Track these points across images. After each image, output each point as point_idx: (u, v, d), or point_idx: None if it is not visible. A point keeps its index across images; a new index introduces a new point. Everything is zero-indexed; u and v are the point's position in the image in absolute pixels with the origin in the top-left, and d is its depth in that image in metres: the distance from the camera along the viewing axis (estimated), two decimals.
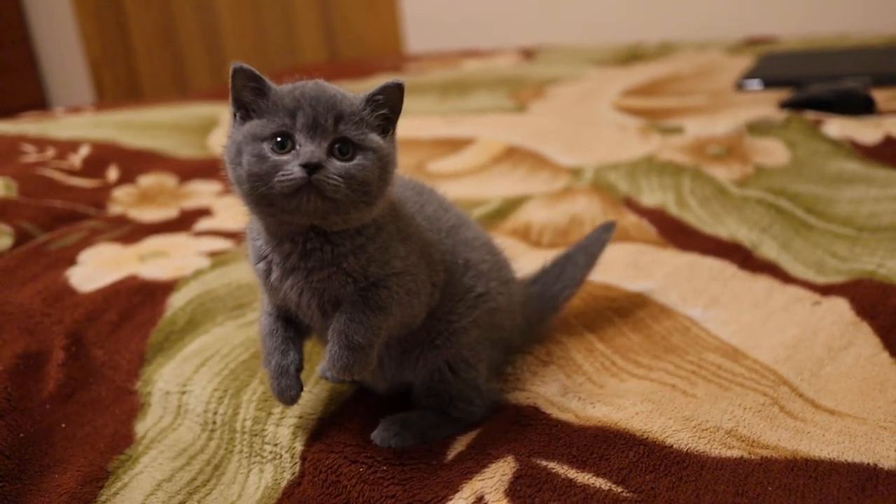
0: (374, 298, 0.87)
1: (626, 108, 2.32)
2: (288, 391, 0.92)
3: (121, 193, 1.79)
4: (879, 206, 1.51)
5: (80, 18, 4.76)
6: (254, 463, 0.99)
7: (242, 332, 1.23)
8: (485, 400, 0.97)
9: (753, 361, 1.07)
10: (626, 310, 1.22)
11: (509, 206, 1.62)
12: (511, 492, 0.82)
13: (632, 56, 3.11)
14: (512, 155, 1.93)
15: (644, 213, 1.56)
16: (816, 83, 2.17)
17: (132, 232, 1.60)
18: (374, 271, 0.88)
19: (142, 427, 1.10)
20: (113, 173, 1.88)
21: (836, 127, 1.87)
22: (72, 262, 1.47)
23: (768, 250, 1.38)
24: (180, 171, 1.90)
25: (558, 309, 1.16)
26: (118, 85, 4.90)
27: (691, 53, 3.04)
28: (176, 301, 1.32)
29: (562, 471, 0.85)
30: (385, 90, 0.86)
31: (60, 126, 2.22)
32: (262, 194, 0.81)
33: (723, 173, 1.71)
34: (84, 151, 1.97)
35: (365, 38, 4.25)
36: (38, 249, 1.53)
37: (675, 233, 1.46)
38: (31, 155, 1.95)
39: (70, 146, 2.00)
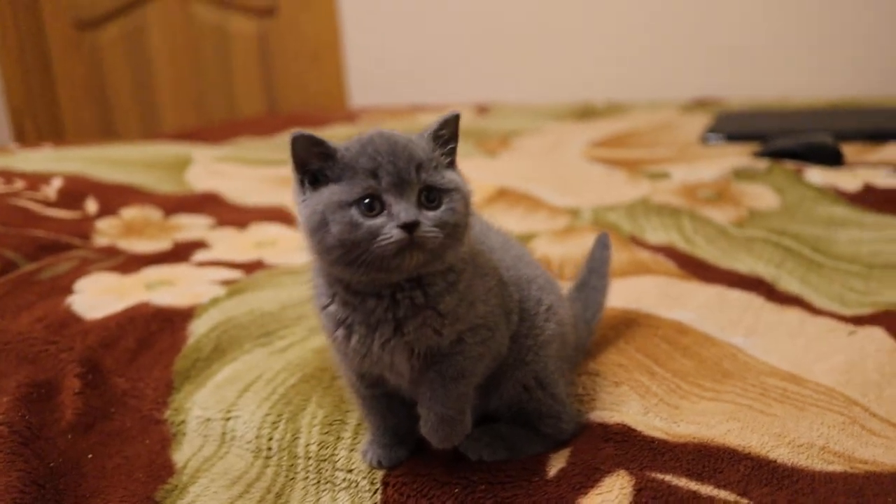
0: (451, 369, 0.85)
1: (597, 158, 2.35)
2: (384, 461, 0.91)
3: (105, 225, 1.70)
4: (879, 247, 1.55)
5: (2, 65, 4.59)
6: (323, 490, 0.93)
7: (276, 359, 1.16)
8: (571, 416, 0.94)
9: (816, 384, 1.06)
10: (672, 337, 1.20)
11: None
12: None
13: (585, 113, 3.17)
14: (505, 196, 1.92)
15: (655, 249, 1.56)
16: (781, 137, 2.25)
17: (127, 262, 1.51)
18: (463, 314, 0.84)
19: (180, 456, 1.03)
20: (92, 205, 1.79)
21: (817, 175, 1.93)
22: (68, 290, 1.38)
23: (788, 284, 1.39)
24: (164, 205, 1.83)
25: (593, 332, 1.16)
26: (39, 134, 4.72)
27: (643, 111, 3.12)
28: (197, 328, 1.25)
29: (681, 483, 0.82)
30: (447, 124, 0.84)
31: (22, 160, 2.11)
32: (357, 259, 0.78)
33: (719, 215, 1.74)
34: (57, 183, 1.87)
35: (307, 90, 4.22)
36: (28, 278, 1.43)
37: (694, 266, 1.47)
38: None
39: (40, 178, 1.90)
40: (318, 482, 0.94)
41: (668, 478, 0.83)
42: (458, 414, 0.86)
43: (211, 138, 2.80)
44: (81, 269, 1.46)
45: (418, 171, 0.79)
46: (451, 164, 0.85)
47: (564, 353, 0.97)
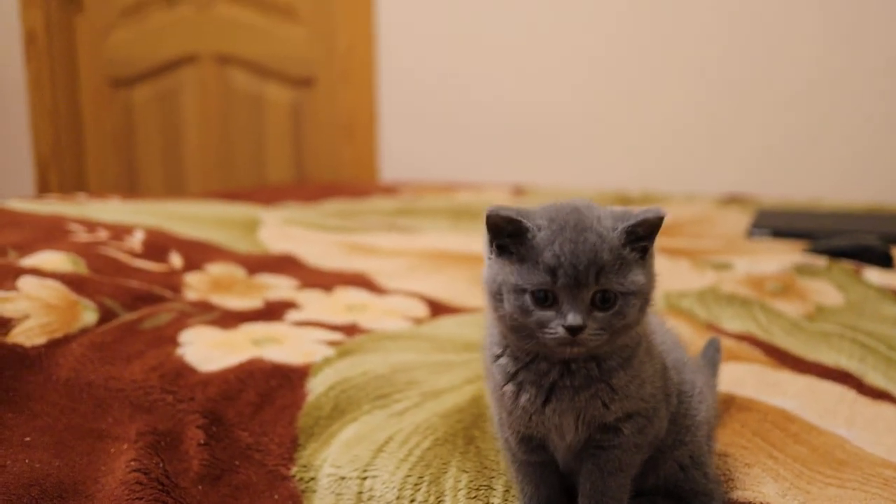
0: (610, 463, 0.88)
1: None
2: None
3: (193, 280, 1.73)
4: None
5: (32, 114, 4.64)
6: None
7: (398, 422, 1.18)
8: (721, 495, 0.97)
9: None
10: (781, 423, 1.23)
11: None
12: None
13: (621, 200, 3.24)
14: None
15: (737, 337, 1.60)
16: (828, 237, 2.31)
17: (223, 317, 1.54)
18: (633, 392, 0.87)
19: None
20: (176, 259, 1.81)
21: (875, 275, 1.98)
22: (173, 341, 1.40)
23: (874, 379, 1.43)
24: (245, 264, 1.85)
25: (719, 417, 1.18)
26: (63, 185, 4.75)
27: (678, 203, 3.19)
28: (315, 386, 1.27)
29: None
30: (645, 223, 0.83)
31: (96, 210, 2.14)
32: (525, 337, 0.83)
33: (789, 308, 1.78)
34: (140, 235, 1.90)
35: (338, 162, 4.28)
36: (130, 327, 1.45)
37: (780, 356, 1.50)
38: (80, 234, 1.86)
39: (123, 229, 1.92)
40: None
41: None
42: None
43: (258, 201, 2.84)
44: (182, 322, 1.48)
45: (598, 275, 0.81)
46: (643, 257, 0.85)
47: (712, 433, 1.00)
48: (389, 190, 3.37)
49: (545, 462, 0.94)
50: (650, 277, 0.86)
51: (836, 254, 2.18)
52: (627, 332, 0.84)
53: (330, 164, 4.32)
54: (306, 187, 3.30)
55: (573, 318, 0.80)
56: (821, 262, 2.07)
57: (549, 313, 0.81)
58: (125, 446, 1.16)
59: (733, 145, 3.51)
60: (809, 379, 1.41)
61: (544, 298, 0.81)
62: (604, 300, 0.81)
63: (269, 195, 3.02)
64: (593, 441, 0.89)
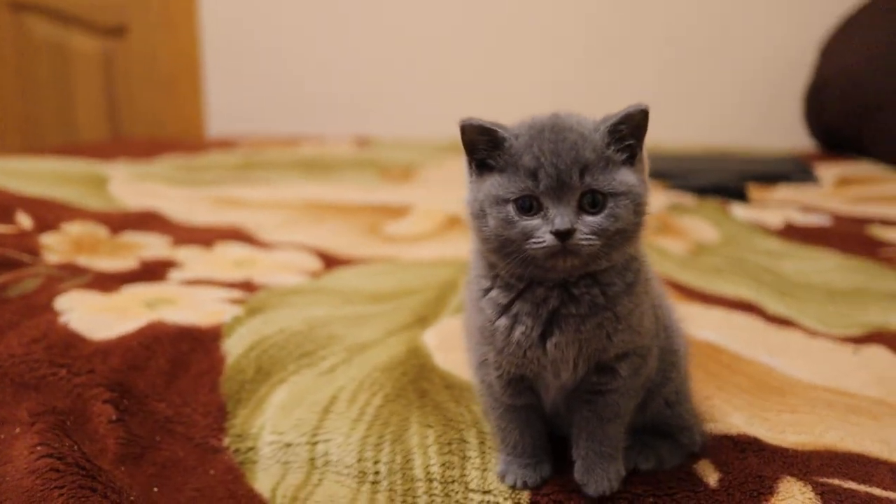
0: (607, 409, 0.84)
1: None
2: (530, 481, 0.87)
3: (51, 241, 1.52)
4: (827, 277, 1.67)
5: None
6: None
7: (332, 380, 1.08)
8: (701, 428, 0.94)
9: (865, 397, 1.12)
10: (713, 355, 1.23)
11: None
12: None
13: None
14: (458, 225, 1.90)
15: None
16: (686, 176, 2.38)
17: (98, 280, 1.37)
18: (634, 323, 0.82)
19: (263, 486, 0.95)
20: (24, 220, 1.60)
21: (741, 211, 2.05)
22: (48, 309, 1.23)
23: (776, 307, 1.47)
24: (107, 222, 1.67)
25: None
26: None
27: None
28: (231, 348, 1.14)
29: (853, 486, 0.83)
30: (628, 118, 0.78)
31: None
32: (512, 254, 0.76)
33: (673, 245, 1.81)
34: None
35: (158, 117, 3.99)
36: None
37: (685, 290, 1.51)
38: None
39: None
40: None
41: (834, 481, 0.84)
42: (614, 452, 0.84)
43: (85, 157, 2.58)
44: (52, 288, 1.30)
45: (582, 175, 0.75)
46: (630, 161, 0.79)
47: (688, 368, 0.97)
48: (226, 144, 3.17)
49: (530, 406, 0.88)
50: (642, 181, 0.79)
51: (696, 191, 2.25)
52: (624, 243, 0.78)
53: (150, 120, 4.03)
54: (135, 144, 3.04)
55: (560, 222, 0.74)
56: (689, 200, 2.12)
57: (534, 221, 0.75)
58: (17, 430, 0.99)
59: (587, 95, 3.54)
60: (719, 311, 1.42)
61: (528, 206, 0.75)
62: (593, 203, 0.76)
63: (93, 152, 2.76)
64: (588, 385, 0.84)
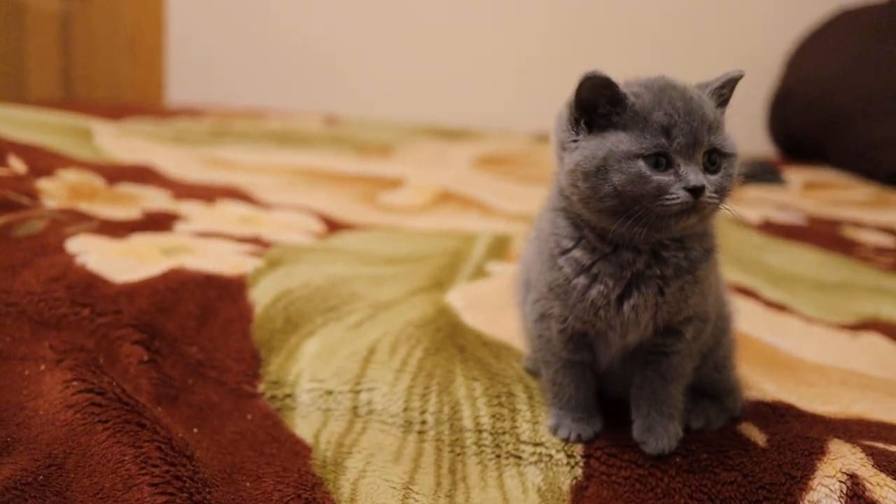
0: (671, 370, 0.86)
1: (493, 174, 2.40)
2: (584, 434, 0.88)
3: (48, 186, 1.47)
4: (812, 270, 1.72)
5: None
6: (506, 465, 0.87)
7: (362, 334, 1.08)
8: (741, 393, 0.96)
9: (875, 377, 1.16)
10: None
11: (504, 240, 1.60)
12: (880, 467, 0.82)
13: (439, 133, 3.21)
14: (450, 199, 1.91)
15: None
16: None
17: (106, 227, 1.33)
18: (707, 288, 0.84)
19: (305, 431, 0.93)
20: (17, 164, 1.54)
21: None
22: (61, 250, 1.19)
23: (770, 293, 1.51)
24: (102, 173, 1.62)
25: None
26: None
27: (498, 138, 3.22)
28: (259, 298, 1.12)
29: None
30: (731, 82, 0.82)
31: None
32: (634, 213, 0.76)
33: None
34: None
35: (116, 81, 3.89)
36: (1, 233, 1.21)
37: None
38: None
39: None
40: (499, 456, 0.88)
41: (878, 445, 0.87)
42: (674, 412, 0.86)
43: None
44: (60, 230, 1.26)
45: (709, 133, 0.77)
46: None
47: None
48: (193, 112, 3.11)
49: (585, 362, 0.89)
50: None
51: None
52: (726, 202, 0.79)
53: (107, 84, 3.92)
54: (98, 106, 2.94)
55: (695, 178, 0.74)
56: None
57: (667, 177, 0.75)
58: (42, 367, 0.96)
59: (543, 86, 3.57)
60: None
61: (659, 163, 0.75)
62: (712, 161, 0.77)
63: (57, 108, 2.67)
64: (652, 346, 0.85)
